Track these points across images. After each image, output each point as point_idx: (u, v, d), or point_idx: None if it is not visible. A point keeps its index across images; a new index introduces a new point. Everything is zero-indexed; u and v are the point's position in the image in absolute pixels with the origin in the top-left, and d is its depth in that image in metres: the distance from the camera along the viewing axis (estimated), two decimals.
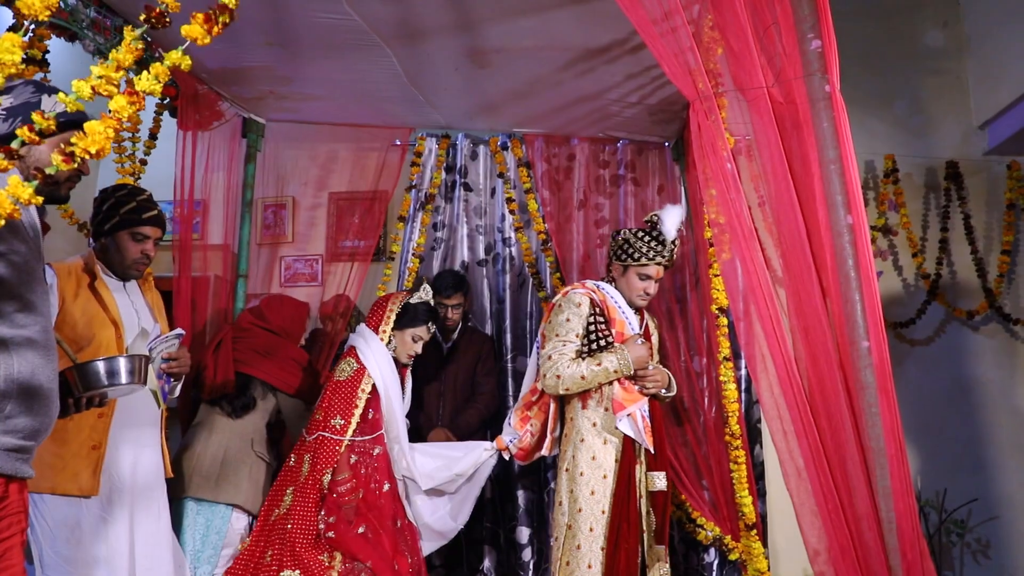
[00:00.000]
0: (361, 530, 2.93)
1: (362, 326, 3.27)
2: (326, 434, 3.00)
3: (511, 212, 4.32)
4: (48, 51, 2.73)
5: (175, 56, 1.41)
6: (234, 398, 3.17)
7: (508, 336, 4.20)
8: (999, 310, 4.36)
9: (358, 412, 3.05)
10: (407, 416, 3.35)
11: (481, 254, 4.39)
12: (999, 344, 4.43)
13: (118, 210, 2.59)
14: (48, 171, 1.42)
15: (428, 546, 3.29)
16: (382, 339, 3.20)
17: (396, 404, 3.17)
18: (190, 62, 1.43)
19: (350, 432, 3.02)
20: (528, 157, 4.36)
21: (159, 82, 1.42)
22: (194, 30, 1.42)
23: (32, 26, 2.67)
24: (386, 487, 3.07)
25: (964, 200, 4.48)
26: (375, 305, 3.33)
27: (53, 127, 1.42)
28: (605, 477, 2.79)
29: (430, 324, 3.29)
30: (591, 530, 2.74)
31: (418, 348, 3.27)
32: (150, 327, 2.66)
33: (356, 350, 3.18)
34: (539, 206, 4.28)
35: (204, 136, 3.80)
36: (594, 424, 2.87)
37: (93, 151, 1.40)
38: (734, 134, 2.29)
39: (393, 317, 3.24)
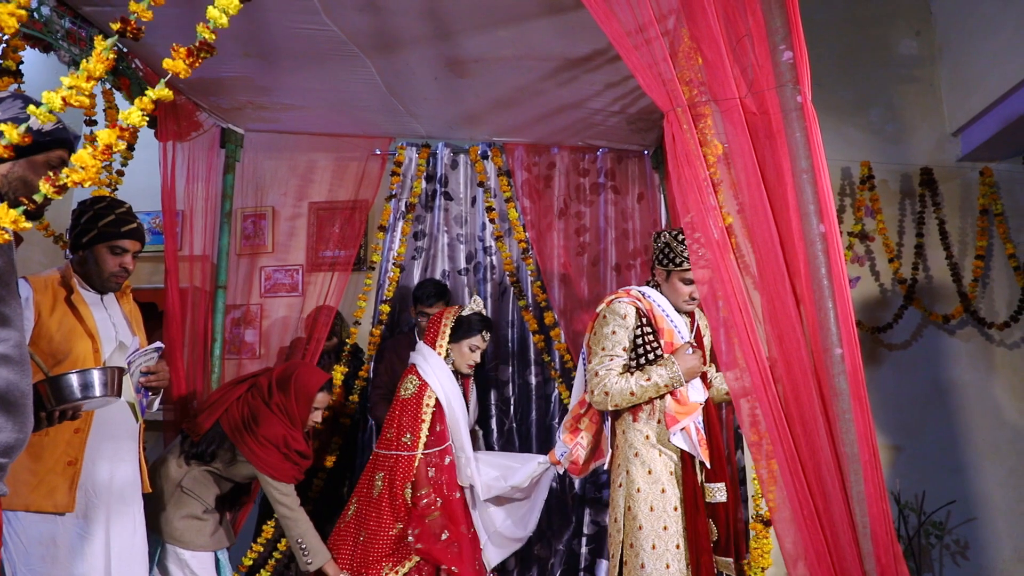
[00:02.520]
0: (444, 537, 3.08)
1: (420, 343, 3.41)
2: (399, 452, 3.19)
3: (491, 221, 4.33)
4: (22, 62, 2.72)
5: (160, 92, 1.44)
6: (195, 444, 2.98)
7: (489, 345, 4.21)
8: (974, 314, 4.42)
9: (426, 426, 3.20)
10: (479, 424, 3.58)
11: (462, 263, 4.40)
12: (975, 347, 4.48)
13: (96, 223, 2.56)
14: (36, 198, 1.43)
15: (499, 553, 3.35)
16: (439, 353, 3.32)
17: (460, 415, 3.28)
18: (172, 95, 1.45)
19: (421, 446, 3.17)
20: (508, 166, 4.38)
21: (144, 115, 1.45)
22: (177, 65, 1.44)
23: (5, 38, 2.66)
24: (457, 495, 3.20)
25: (939, 206, 4.54)
26: (430, 322, 3.45)
27: (26, 141, 1.41)
28: (664, 491, 2.65)
29: (484, 333, 3.39)
30: (653, 548, 2.59)
31: (476, 357, 3.39)
32: (128, 340, 2.63)
33: (416, 367, 3.32)
34: (519, 215, 4.29)
35: (182, 147, 3.79)
36: (647, 437, 2.71)
37: (85, 183, 1.43)
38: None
39: (448, 331, 3.36)
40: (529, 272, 4.25)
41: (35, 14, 2.79)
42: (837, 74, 4.58)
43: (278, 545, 3.59)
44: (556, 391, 4.21)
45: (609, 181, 4.41)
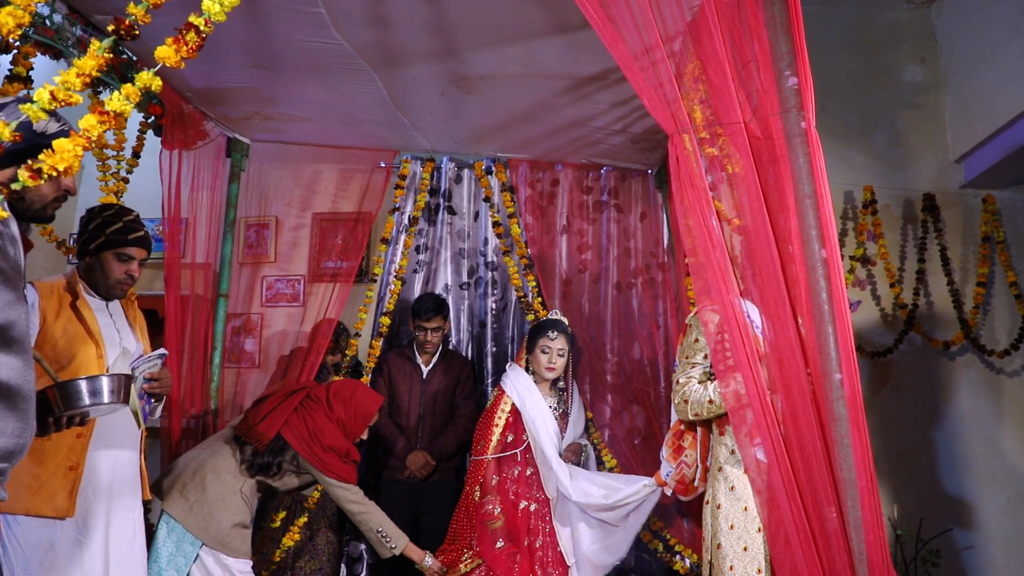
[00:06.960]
0: (499, 545, 3.27)
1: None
2: (472, 456, 3.49)
3: (497, 236, 4.33)
4: (33, 68, 2.75)
5: (146, 77, 1.42)
6: (260, 454, 2.99)
7: (489, 360, 4.22)
8: (975, 341, 4.42)
9: (496, 432, 3.44)
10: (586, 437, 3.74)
11: (464, 277, 4.40)
12: (975, 374, 4.48)
13: (104, 230, 2.57)
14: (14, 187, 1.42)
15: None
16: (521, 365, 3.58)
17: (540, 424, 3.41)
18: (160, 83, 1.44)
19: (489, 452, 3.41)
20: (512, 182, 4.39)
21: (130, 102, 1.43)
22: (164, 51, 1.44)
23: (17, 44, 2.69)
24: (523, 505, 3.34)
25: (941, 232, 4.55)
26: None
27: (17, 138, 1.42)
28: (746, 509, 2.42)
29: (551, 332, 3.53)
30: (731, 569, 2.40)
31: (550, 358, 3.52)
32: (132, 347, 2.64)
33: (501, 380, 3.60)
34: (522, 231, 4.30)
35: (188, 155, 3.80)
36: (732, 452, 2.52)
37: (61, 168, 1.41)
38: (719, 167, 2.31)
39: (525, 343, 3.63)
40: (531, 288, 4.25)
41: (47, 21, 2.82)
42: (842, 98, 4.61)
43: (273, 557, 3.58)
44: None
45: (612, 199, 4.42)
